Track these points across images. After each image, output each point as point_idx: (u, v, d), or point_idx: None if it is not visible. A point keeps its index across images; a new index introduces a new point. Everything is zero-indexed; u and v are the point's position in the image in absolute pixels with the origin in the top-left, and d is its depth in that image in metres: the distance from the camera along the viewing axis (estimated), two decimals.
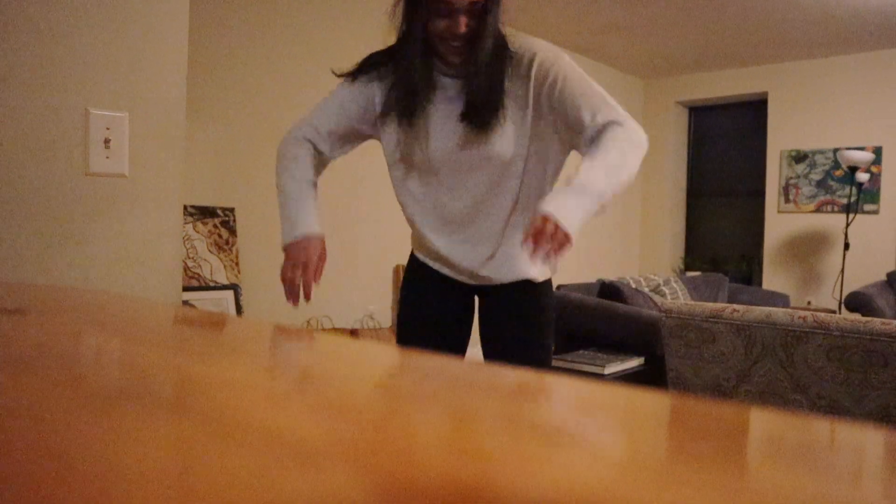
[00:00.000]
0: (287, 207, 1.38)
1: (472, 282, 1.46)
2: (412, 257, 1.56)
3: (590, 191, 1.19)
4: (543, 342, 1.49)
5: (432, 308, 1.51)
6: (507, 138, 1.34)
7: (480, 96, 1.31)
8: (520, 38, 1.36)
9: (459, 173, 1.37)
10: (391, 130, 1.41)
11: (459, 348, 1.55)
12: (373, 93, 1.42)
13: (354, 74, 1.44)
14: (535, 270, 1.46)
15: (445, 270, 1.47)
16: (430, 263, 1.49)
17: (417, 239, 1.50)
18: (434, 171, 1.39)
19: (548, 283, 1.51)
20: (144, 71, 1.31)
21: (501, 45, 1.34)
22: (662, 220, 6.64)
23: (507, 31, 1.36)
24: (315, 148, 1.49)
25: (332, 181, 3.91)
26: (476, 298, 1.54)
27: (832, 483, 0.18)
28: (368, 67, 1.43)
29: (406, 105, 1.35)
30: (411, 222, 1.46)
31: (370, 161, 4.10)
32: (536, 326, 1.48)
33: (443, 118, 1.36)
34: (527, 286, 1.47)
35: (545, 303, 1.50)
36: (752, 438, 0.23)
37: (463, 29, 1.28)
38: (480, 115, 1.32)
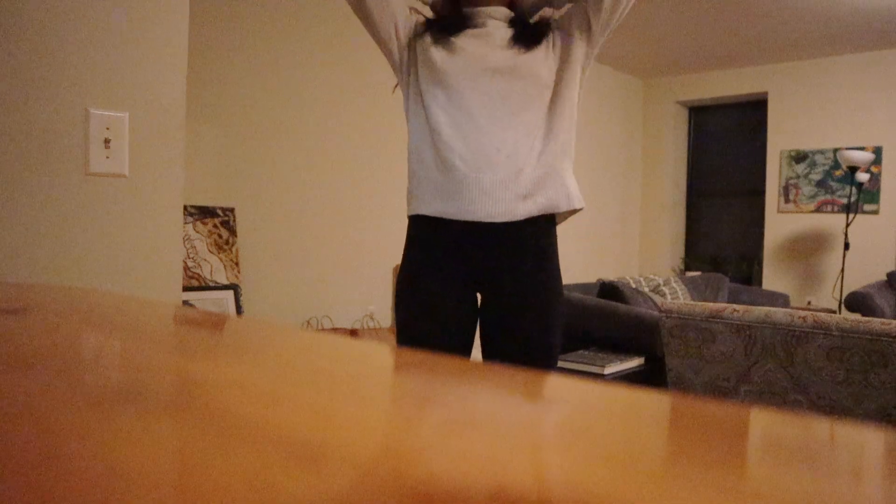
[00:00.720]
0: None
1: (499, 208, 1.39)
2: (415, 228, 1.49)
3: None
4: (551, 329, 1.47)
5: (436, 300, 1.45)
6: (540, 58, 1.44)
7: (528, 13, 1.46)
8: None
9: (492, 85, 1.41)
10: (427, 45, 1.45)
11: (464, 347, 1.52)
12: (414, 18, 1.50)
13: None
14: (571, 191, 1.47)
15: (467, 199, 1.39)
16: (445, 207, 1.41)
17: (437, 168, 1.42)
18: (469, 82, 1.41)
19: (552, 245, 1.49)
20: (144, 71, 1.31)
21: None
22: (662, 220, 6.64)
23: None
24: None
25: (333, 181, 3.91)
26: (479, 296, 1.53)
27: (832, 483, 0.18)
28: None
29: (448, 22, 1.45)
30: (437, 135, 1.41)
31: (371, 161, 4.10)
32: (545, 305, 1.45)
33: (484, 34, 1.44)
34: (539, 245, 1.45)
35: (553, 275, 1.48)
36: (752, 438, 0.23)
37: None
38: (527, 28, 1.45)
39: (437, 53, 1.43)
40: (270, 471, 0.18)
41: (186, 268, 3.19)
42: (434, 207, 1.43)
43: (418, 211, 1.46)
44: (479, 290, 1.50)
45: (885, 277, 5.16)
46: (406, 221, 4.23)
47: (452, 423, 0.23)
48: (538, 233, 1.45)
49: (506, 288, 1.46)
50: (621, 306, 3.52)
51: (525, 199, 1.40)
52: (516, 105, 1.41)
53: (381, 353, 0.37)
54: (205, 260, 3.27)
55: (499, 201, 1.38)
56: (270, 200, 3.65)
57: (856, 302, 4.28)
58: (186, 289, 3.13)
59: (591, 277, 6.05)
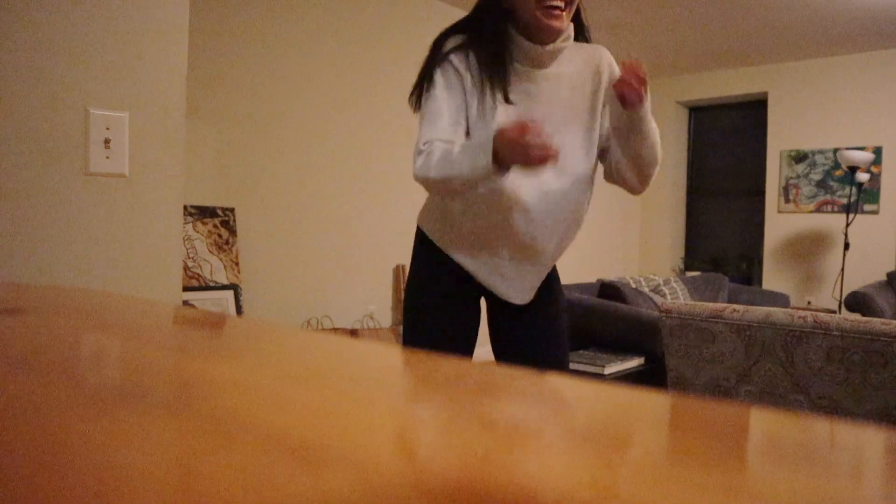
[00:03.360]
0: (467, 151, 1.24)
1: (516, 266, 1.42)
2: (427, 257, 1.48)
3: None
4: (561, 328, 1.51)
5: (442, 314, 1.47)
6: (591, 119, 1.41)
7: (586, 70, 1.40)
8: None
9: (562, 152, 1.35)
10: (491, 111, 1.35)
11: (467, 352, 1.54)
12: (464, 83, 1.35)
13: (444, 72, 1.35)
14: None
15: (496, 261, 1.41)
16: (473, 269, 1.43)
17: (481, 226, 1.39)
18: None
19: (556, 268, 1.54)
20: (144, 71, 1.31)
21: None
22: (662, 220, 6.64)
23: None
24: None
25: (333, 181, 3.91)
26: (483, 302, 1.54)
27: (832, 483, 0.18)
28: (452, 60, 1.35)
29: (501, 89, 1.33)
30: (500, 195, 1.34)
31: (371, 161, 4.10)
32: (554, 310, 1.50)
33: (544, 93, 1.37)
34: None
35: (560, 287, 1.54)
36: (752, 438, 0.23)
37: None
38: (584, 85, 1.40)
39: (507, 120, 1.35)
40: (270, 471, 0.18)
41: (186, 268, 3.19)
42: (460, 259, 1.45)
43: (445, 250, 1.46)
44: (483, 294, 1.51)
45: (885, 277, 5.16)
46: (409, 223, 4.19)
47: (452, 423, 0.23)
48: None
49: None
50: (621, 306, 3.52)
51: (552, 258, 1.47)
52: (575, 181, 1.41)
53: (381, 354, 0.37)
54: (205, 260, 3.27)
55: (536, 257, 1.43)
56: (270, 200, 3.65)
57: (856, 302, 4.28)
58: (186, 289, 3.13)
59: (591, 277, 6.04)
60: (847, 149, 5.49)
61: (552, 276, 1.52)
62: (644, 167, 1.39)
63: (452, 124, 1.32)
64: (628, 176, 1.41)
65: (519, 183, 1.34)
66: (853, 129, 5.60)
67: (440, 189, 1.30)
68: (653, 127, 1.36)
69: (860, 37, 5.13)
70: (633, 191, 1.45)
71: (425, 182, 1.29)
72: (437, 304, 1.46)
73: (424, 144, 1.29)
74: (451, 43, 1.36)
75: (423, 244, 1.49)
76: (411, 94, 1.41)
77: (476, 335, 1.53)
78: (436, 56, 1.36)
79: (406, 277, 1.58)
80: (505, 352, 1.52)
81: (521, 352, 1.49)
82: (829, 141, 5.72)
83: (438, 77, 1.34)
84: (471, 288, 1.47)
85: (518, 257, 1.40)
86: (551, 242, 1.40)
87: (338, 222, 3.96)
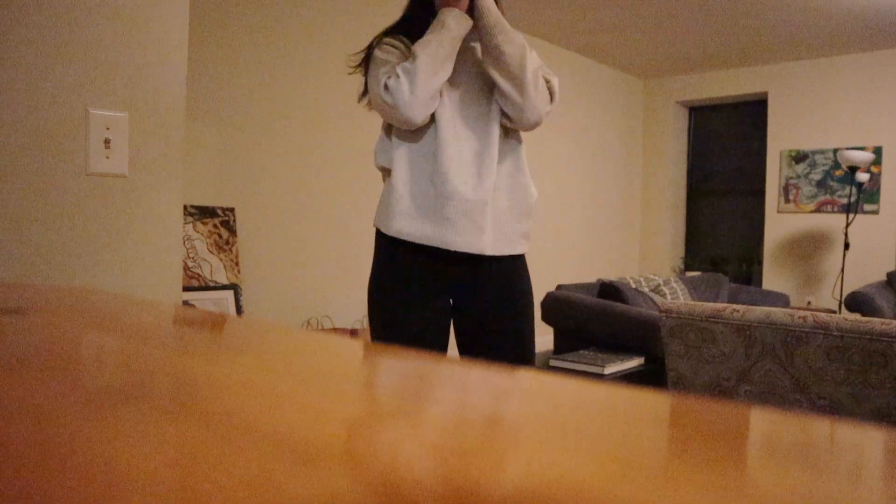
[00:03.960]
0: (431, 30, 1.45)
1: (468, 226, 1.44)
2: (388, 253, 1.49)
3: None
4: (526, 327, 1.53)
5: (411, 313, 1.47)
6: None
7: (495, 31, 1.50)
8: None
9: (470, 87, 1.52)
10: None
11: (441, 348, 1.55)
12: (403, 56, 1.51)
13: (379, 43, 1.53)
14: (524, 244, 1.55)
15: (446, 217, 1.43)
16: (420, 231, 1.44)
17: (424, 183, 1.46)
18: (454, 88, 1.51)
19: (525, 262, 1.55)
20: (144, 71, 1.31)
21: None
22: (662, 220, 6.64)
23: None
24: None
25: (333, 181, 3.91)
26: (451, 303, 1.54)
27: (832, 483, 0.18)
28: (386, 41, 1.53)
29: None
30: (435, 133, 1.46)
31: (370, 160, 4.09)
32: (519, 309, 1.52)
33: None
34: (509, 265, 1.52)
35: (526, 283, 1.55)
36: (752, 438, 0.23)
37: None
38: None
39: None
40: (270, 471, 0.18)
41: (186, 268, 3.19)
42: (411, 233, 1.46)
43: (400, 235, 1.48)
44: (452, 295, 1.52)
45: (885, 277, 5.16)
46: None
47: (451, 423, 0.23)
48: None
49: (479, 290, 1.49)
50: (621, 306, 3.52)
51: (500, 222, 1.52)
52: (485, 111, 1.54)
53: (381, 354, 0.37)
54: (205, 260, 3.27)
55: (479, 208, 1.46)
56: (270, 200, 3.65)
57: (856, 302, 4.27)
58: (186, 289, 3.13)
59: (591, 277, 6.04)
60: (847, 149, 5.49)
61: (518, 275, 1.53)
62: (501, 63, 1.44)
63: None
64: (497, 80, 1.45)
65: (448, 132, 1.45)
66: (853, 129, 5.60)
67: (429, 78, 1.39)
68: (492, 12, 1.47)
69: (860, 37, 5.13)
70: (518, 111, 1.46)
71: (412, 84, 1.38)
72: (405, 301, 1.47)
73: (387, 76, 1.42)
74: (384, 35, 1.56)
75: (383, 244, 1.51)
76: (361, 95, 1.57)
77: (448, 331, 1.54)
78: (372, 45, 1.54)
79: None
80: (470, 352, 1.54)
81: (486, 352, 1.51)
82: (829, 141, 5.72)
83: (378, 53, 1.50)
84: (435, 281, 1.48)
85: (460, 193, 1.43)
86: (481, 177, 1.46)
87: (338, 222, 3.96)
